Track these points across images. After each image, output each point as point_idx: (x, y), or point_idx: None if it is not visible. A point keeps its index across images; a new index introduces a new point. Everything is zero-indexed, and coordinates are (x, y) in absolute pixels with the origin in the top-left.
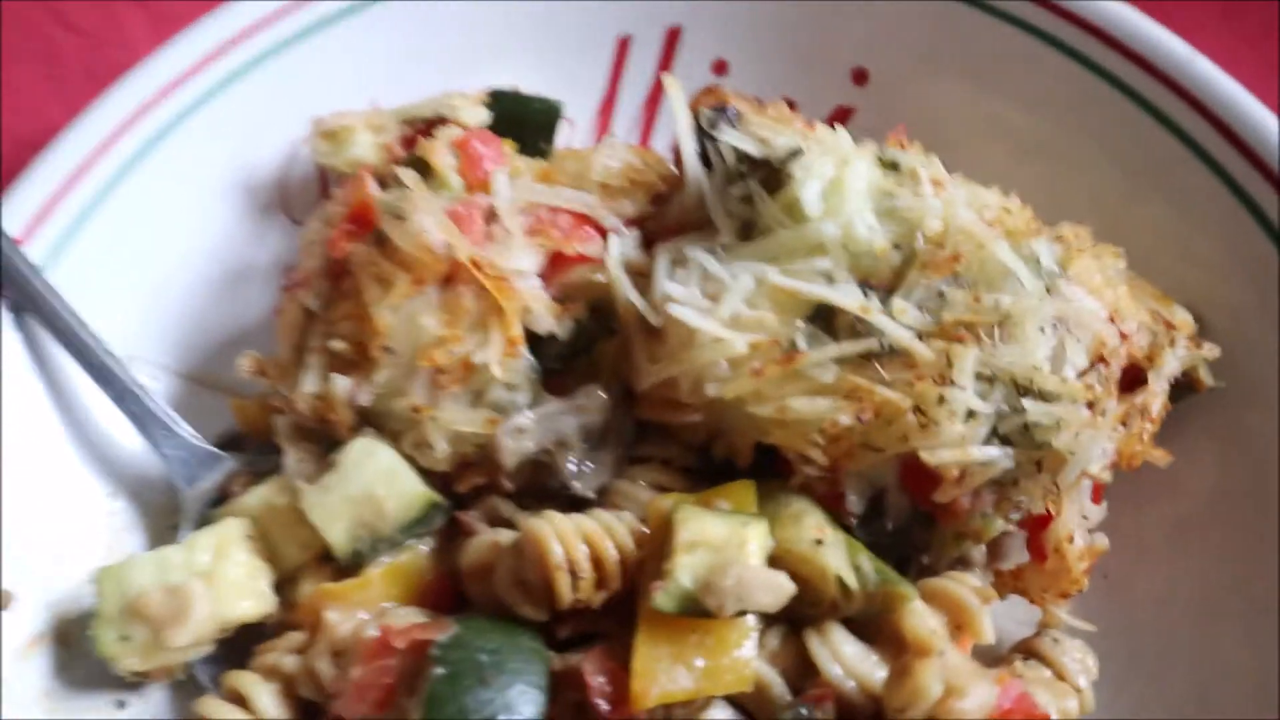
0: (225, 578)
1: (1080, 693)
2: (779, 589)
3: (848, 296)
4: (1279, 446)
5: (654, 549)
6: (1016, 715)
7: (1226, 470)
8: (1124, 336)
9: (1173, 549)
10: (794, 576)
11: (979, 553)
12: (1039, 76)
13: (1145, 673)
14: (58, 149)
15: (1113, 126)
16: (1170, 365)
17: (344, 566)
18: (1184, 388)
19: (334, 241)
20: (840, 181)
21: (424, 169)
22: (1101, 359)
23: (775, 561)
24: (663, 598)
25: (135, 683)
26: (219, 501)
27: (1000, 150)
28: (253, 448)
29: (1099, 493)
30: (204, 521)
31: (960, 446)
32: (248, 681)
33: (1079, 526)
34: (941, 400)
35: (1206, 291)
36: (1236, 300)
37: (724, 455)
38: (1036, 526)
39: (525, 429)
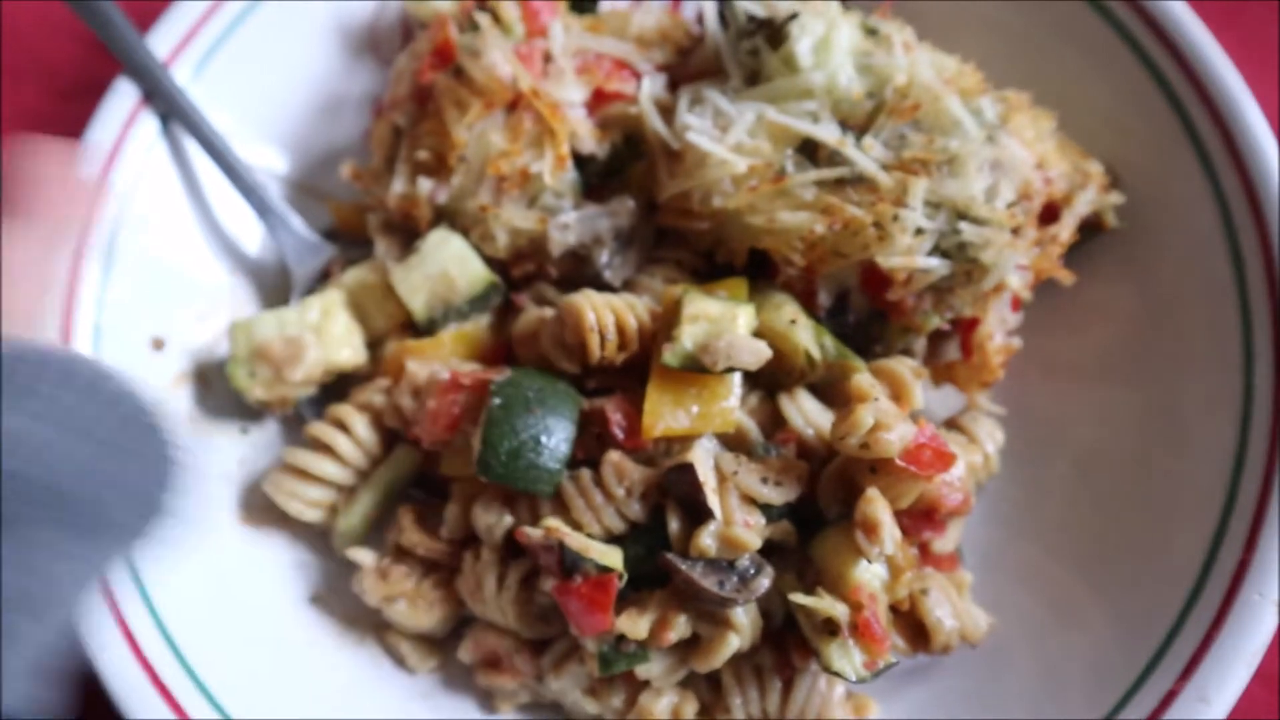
0: (330, 332)
1: (987, 457)
2: (759, 352)
3: (828, 132)
4: (1172, 285)
5: (665, 324)
6: (929, 448)
7: (1124, 304)
8: (1047, 181)
9: (1072, 368)
10: (772, 349)
11: (920, 346)
12: None
13: (1039, 453)
14: None
15: (1063, 16)
16: (1081, 205)
17: (421, 332)
18: (1093, 227)
19: (421, 72)
20: (828, 40)
21: (494, 17)
22: (1026, 196)
23: (758, 335)
24: (669, 355)
25: (257, 414)
26: (322, 280)
27: (965, 27)
28: (347, 242)
29: (1017, 304)
30: (311, 293)
31: (909, 255)
32: (346, 411)
33: (999, 328)
34: (896, 218)
35: (1119, 152)
36: (1142, 160)
37: (724, 259)
38: (966, 328)
39: (569, 226)
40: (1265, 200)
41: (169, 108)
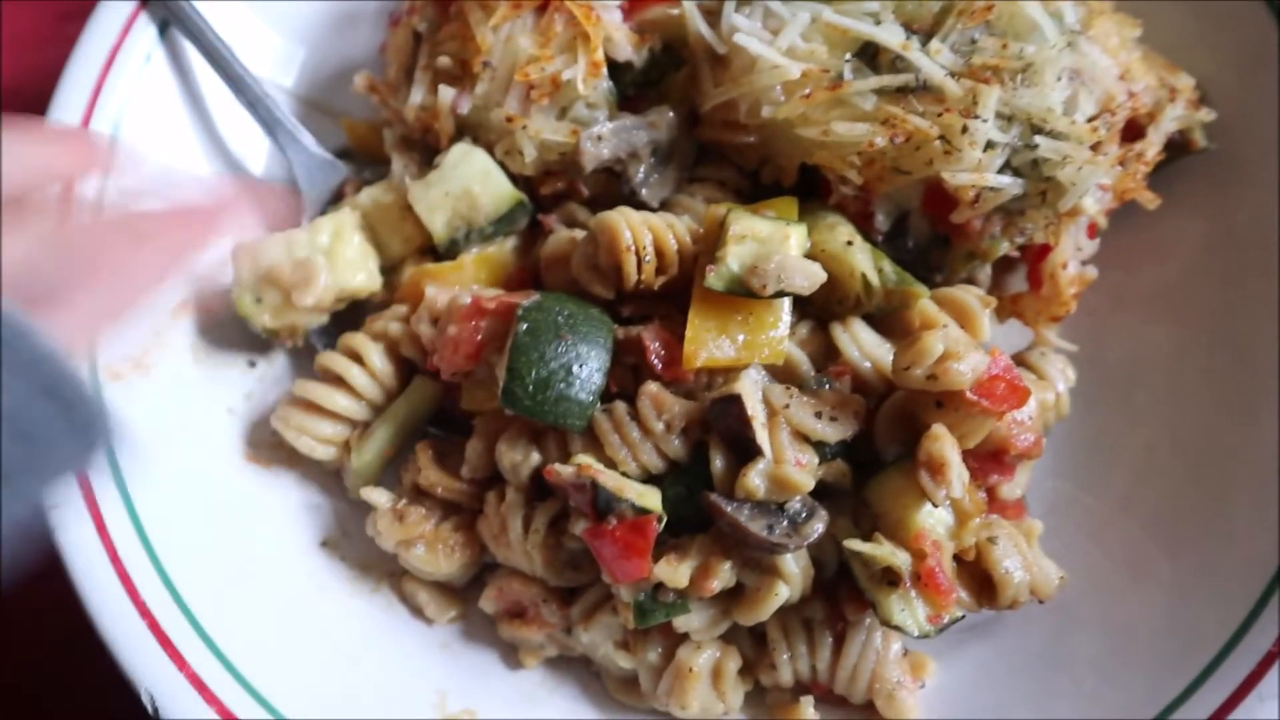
0: (342, 255)
1: (1058, 397)
2: (813, 274)
3: (891, 35)
4: (1261, 217)
5: (707, 245)
6: (1003, 380)
7: (1210, 236)
8: (1131, 94)
9: (1148, 305)
10: (826, 273)
11: (985, 275)
12: None
13: (1110, 397)
14: None
15: None
16: (1168, 122)
17: (440, 255)
18: (1179, 147)
19: None
20: None
21: None
22: (1109, 110)
23: (811, 257)
24: (714, 278)
25: (264, 345)
26: (335, 201)
27: None
28: (361, 162)
29: (1093, 230)
30: (322, 215)
31: (978, 171)
32: (360, 340)
33: (1073, 257)
34: (965, 130)
35: (1209, 67)
36: (1234, 77)
37: (771, 179)
38: (1036, 256)
39: (603, 138)
40: None
41: (168, 13)
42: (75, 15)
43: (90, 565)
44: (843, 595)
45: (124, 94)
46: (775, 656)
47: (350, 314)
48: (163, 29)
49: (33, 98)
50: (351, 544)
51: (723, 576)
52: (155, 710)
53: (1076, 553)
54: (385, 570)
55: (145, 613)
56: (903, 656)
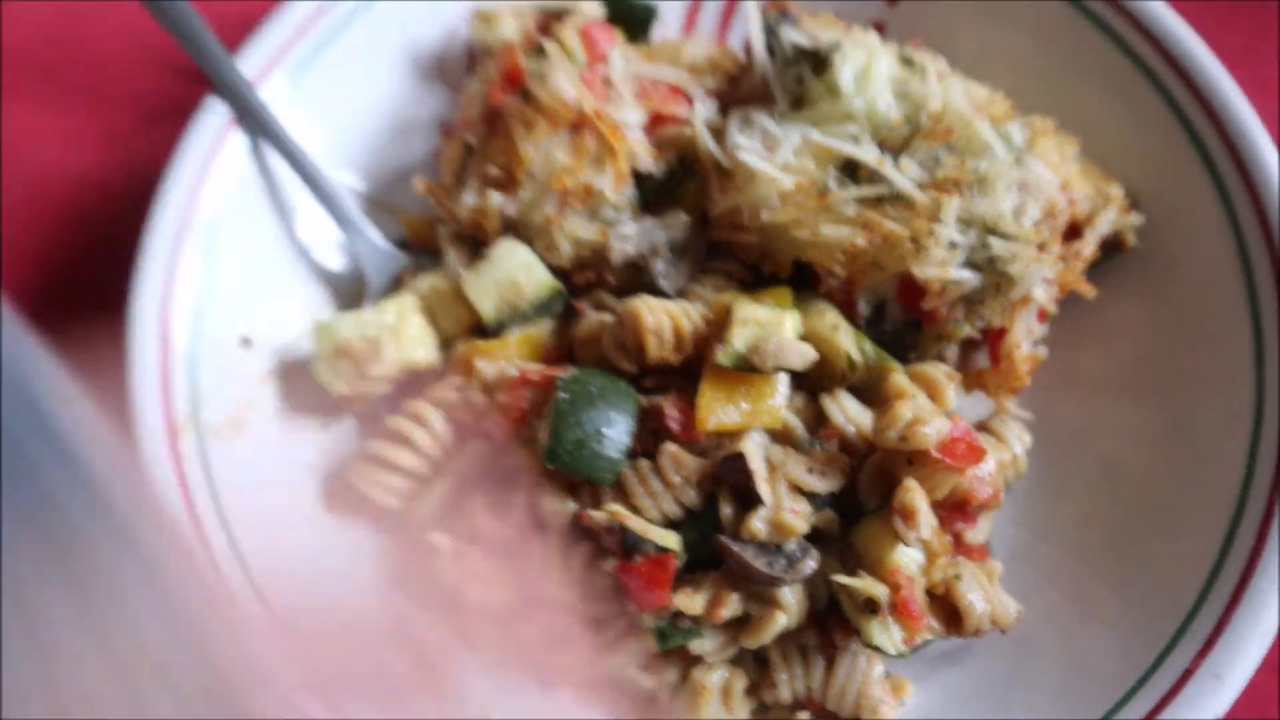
0: (405, 332)
1: (1015, 457)
2: (805, 354)
3: (868, 153)
4: (1188, 304)
5: (716, 327)
6: (963, 442)
7: (1142, 321)
8: (1071, 201)
9: (1093, 381)
10: (816, 352)
11: (952, 354)
12: (1037, 13)
13: (1062, 459)
14: (276, 20)
15: (1085, 51)
16: (1103, 224)
17: (488, 334)
18: (1114, 246)
19: (492, 93)
20: (868, 68)
21: (558, 44)
22: (1051, 214)
23: (803, 339)
24: (722, 356)
25: (336, 410)
26: (395, 286)
27: (993, 61)
28: (417, 252)
29: (1043, 315)
30: (385, 298)
31: (942, 267)
32: (421, 406)
33: (1026, 338)
34: (931, 233)
35: (1138, 178)
36: (1159, 185)
37: (770, 270)
38: (995, 337)
39: (628, 236)
40: (1271, 222)
41: (256, 126)
42: (163, 117)
43: None
44: (832, 624)
45: (222, 194)
46: (776, 677)
47: (411, 384)
48: (252, 138)
49: (122, 193)
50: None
51: (731, 606)
52: None
53: (1034, 591)
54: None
55: None
56: (885, 678)
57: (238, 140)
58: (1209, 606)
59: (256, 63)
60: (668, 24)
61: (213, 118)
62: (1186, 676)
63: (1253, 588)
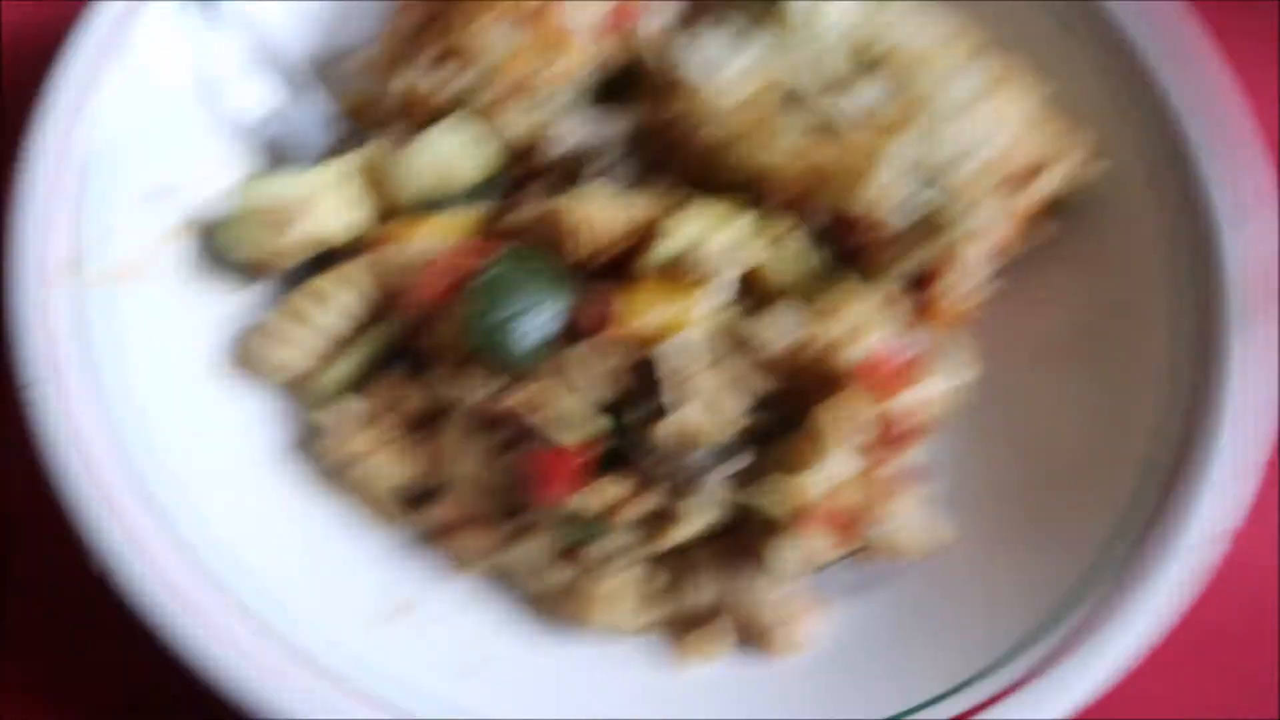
0: (327, 202)
1: (945, 392)
2: (742, 260)
3: (814, 83)
4: (1132, 268)
5: (651, 229)
6: (894, 363)
7: (1078, 285)
8: (1022, 151)
9: (1030, 341)
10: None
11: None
12: None
13: (992, 404)
14: None
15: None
16: (1055, 174)
17: (417, 215)
18: (1060, 204)
19: None
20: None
21: None
22: (999, 162)
23: (743, 247)
24: (654, 255)
25: (245, 277)
26: (326, 159)
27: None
28: (353, 131)
29: (982, 262)
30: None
31: (875, 206)
32: (334, 278)
33: (965, 278)
34: (870, 168)
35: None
36: (1114, 145)
37: (711, 190)
38: (930, 279)
39: (573, 128)
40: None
41: None
42: None
43: (56, 445)
44: (740, 539)
45: (147, 39)
46: (684, 585)
47: (328, 260)
48: None
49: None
50: (312, 453)
51: (638, 508)
52: (103, 574)
53: (950, 526)
54: (348, 480)
55: (104, 490)
56: (794, 598)
57: None
58: (1112, 561)
59: None
60: None
61: None
62: (1084, 628)
63: (1156, 536)
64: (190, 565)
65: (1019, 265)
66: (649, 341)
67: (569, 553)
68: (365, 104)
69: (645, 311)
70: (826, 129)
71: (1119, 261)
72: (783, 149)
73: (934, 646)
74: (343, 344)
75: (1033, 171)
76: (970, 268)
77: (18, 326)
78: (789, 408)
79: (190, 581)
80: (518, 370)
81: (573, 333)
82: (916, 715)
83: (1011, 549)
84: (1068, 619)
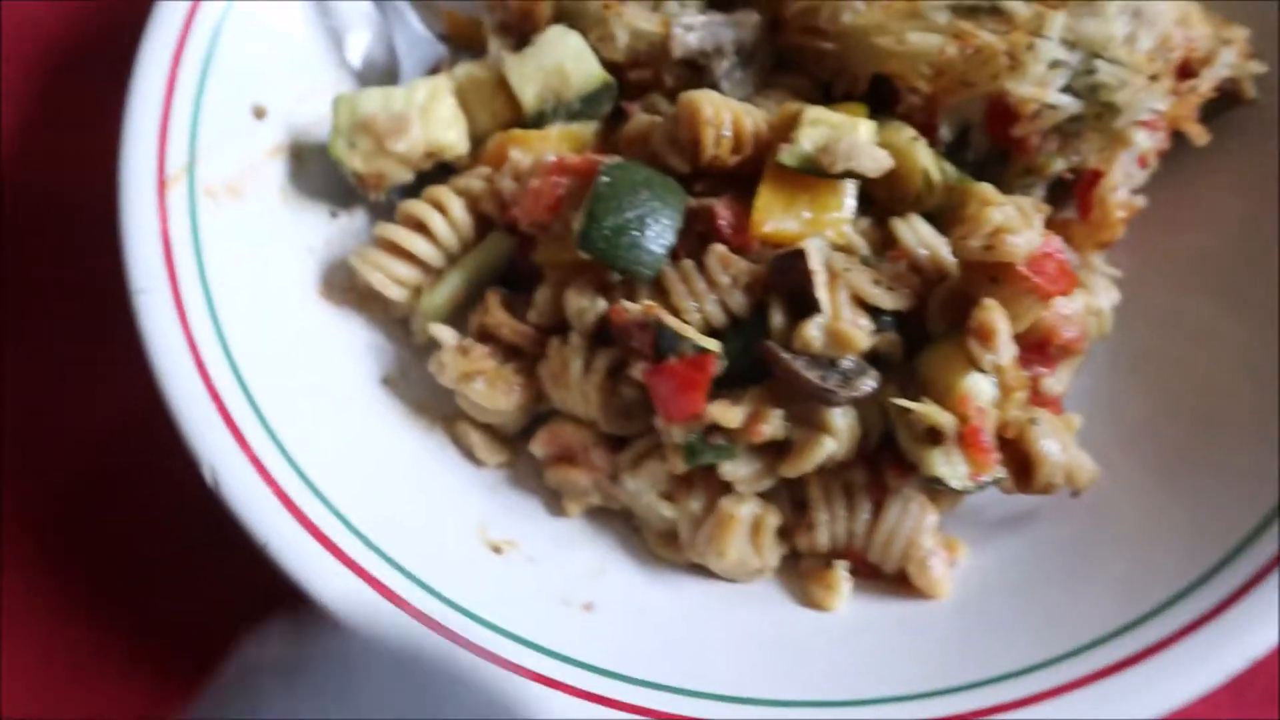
0: (435, 113)
1: (1101, 312)
2: (879, 159)
3: None
4: None
5: (781, 131)
6: (1054, 259)
7: (1250, 207)
8: (1188, 39)
9: (1186, 266)
10: (891, 160)
11: (1038, 195)
12: None
13: (1147, 331)
14: None
15: None
16: (1221, 66)
17: (528, 127)
18: (1230, 97)
19: None
20: None
21: None
22: (1166, 46)
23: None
24: (786, 155)
25: (348, 198)
26: (432, 75)
27: None
28: (459, 49)
29: (1143, 162)
30: None
31: (1041, 87)
32: (443, 191)
33: (1124, 183)
34: (1030, 48)
35: (1264, 30)
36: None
37: (843, 89)
38: (1088, 182)
39: (693, 28)
40: None
41: None
42: None
43: (169, 349)
44: (885, 462)
45: None
46: (815, 517)
47: (435, 176)
48: None
49: None
50: (410, 385)
51: (773, 423)
52: (216, 483)
53: (1106, 461)
54: (440, 414)
55: (216, 398)
56: (936, 532)
57: None
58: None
59: None
60: None
61: None
62: (1256, 580)
63: None
64: (299, 482)
65: (1164, 180)
66: (790, 242)
67: (687, 481)
68: (468, 24)
69: (782, 214)
70: (980, 9)
71: (1274, 175)
72: (936, 29)
73: (1082, 593)
74: (451, 260)
75: (1201, 61)
76: (1132, 170)
77: (132, 231)
78: (917, 326)
79: (302, 497)
80: (641, 278)
81: (697, 243)
82: (1061, 663)
83: (1169, 492)
84: (1229, 571)
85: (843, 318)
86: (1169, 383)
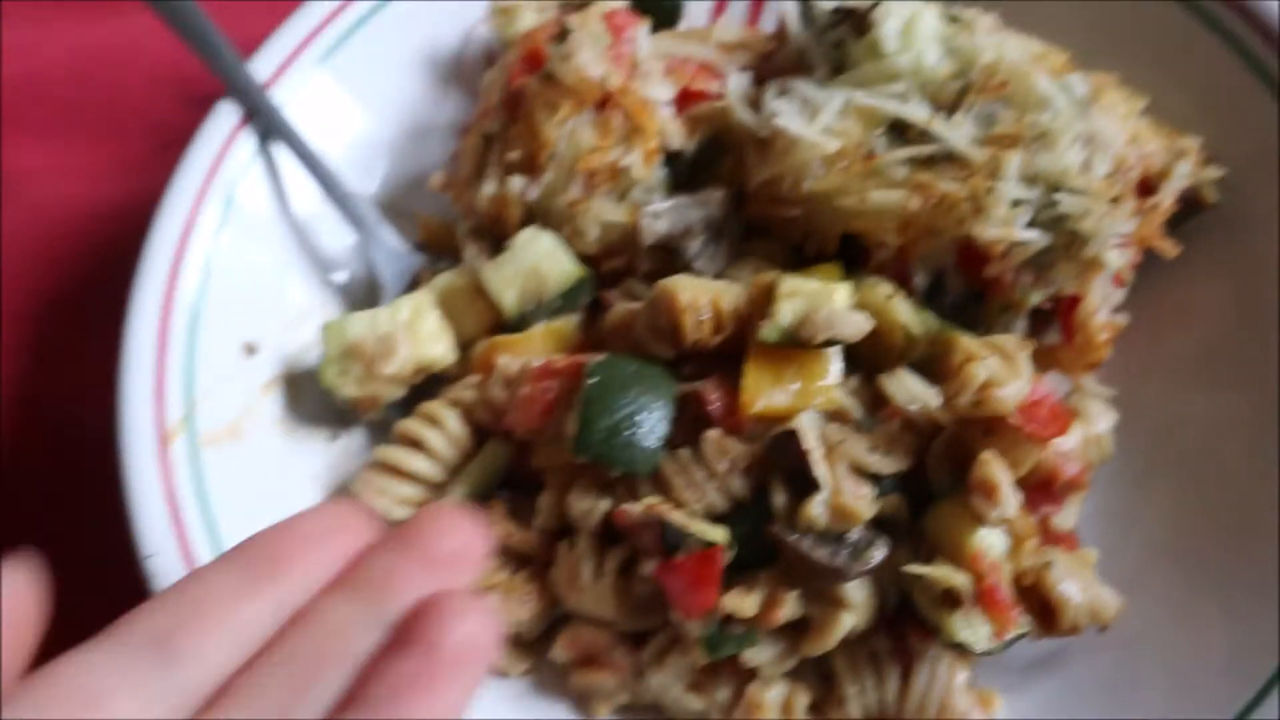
0: (421, 330)
1: (1100, 437)
2: (858, 323)
3: (917, 111)
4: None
5: (759, 305)
6: (1045, 404)
7: (1226, 295)
8: (1141, 156)
9: (1175, 364)
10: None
11: (1020, 328)
12: None
13: (1147, 447)
14: (290, 22)
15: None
16: (1179, 176)
17: (510, 329)
18: (1193, 204)
19: (512, 76)
20: (912, 24)
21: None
22: (1121, 168)
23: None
24: (767, 331)
25: (345, 421)
26: (411, 287)
27: (1045, 21)
28: (434, 255)
29: (1119, 281)
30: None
31: (1006, 226)
32: (436, 407)
33: (1102, 304)
34: (990, 190)
35: (1214, 135)
36: (1238, 142)
37: (814, 250)
38: (1068, 308)
39: (660, 214)
40: None
41: (267, 127)
42: (178, 143)
43: None
44: (906, 626)
45: (227, 195)
46: (844, 690)
47: (426, 389)
48: (263, 139)
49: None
50: None
51: (789, 607)
52: None
53: (1127, 588)
54: None
55: None
56: (969, 689)
57: (247, 143)
58: None
59: (269, 64)
60: (693, 19)
61: (222, 121)
62: None
63: None
64: None
65: (1141, 289)
66: (783, 418)
67: (712, 671)
68: (442, 229)
69: (771, 390)
70: (936, 159)
71: (1251, 265)
72: (896, 185)
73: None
74: (451, 473)
75: (1158, 176)
76: (1109, 291)
77: (137, 494)
78: (918, 484)
79: None
80: (639, 475)
81: (690, 428)
82: None
83: (1201, 609)
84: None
85: (844, 491)
86: (1183, 492)
